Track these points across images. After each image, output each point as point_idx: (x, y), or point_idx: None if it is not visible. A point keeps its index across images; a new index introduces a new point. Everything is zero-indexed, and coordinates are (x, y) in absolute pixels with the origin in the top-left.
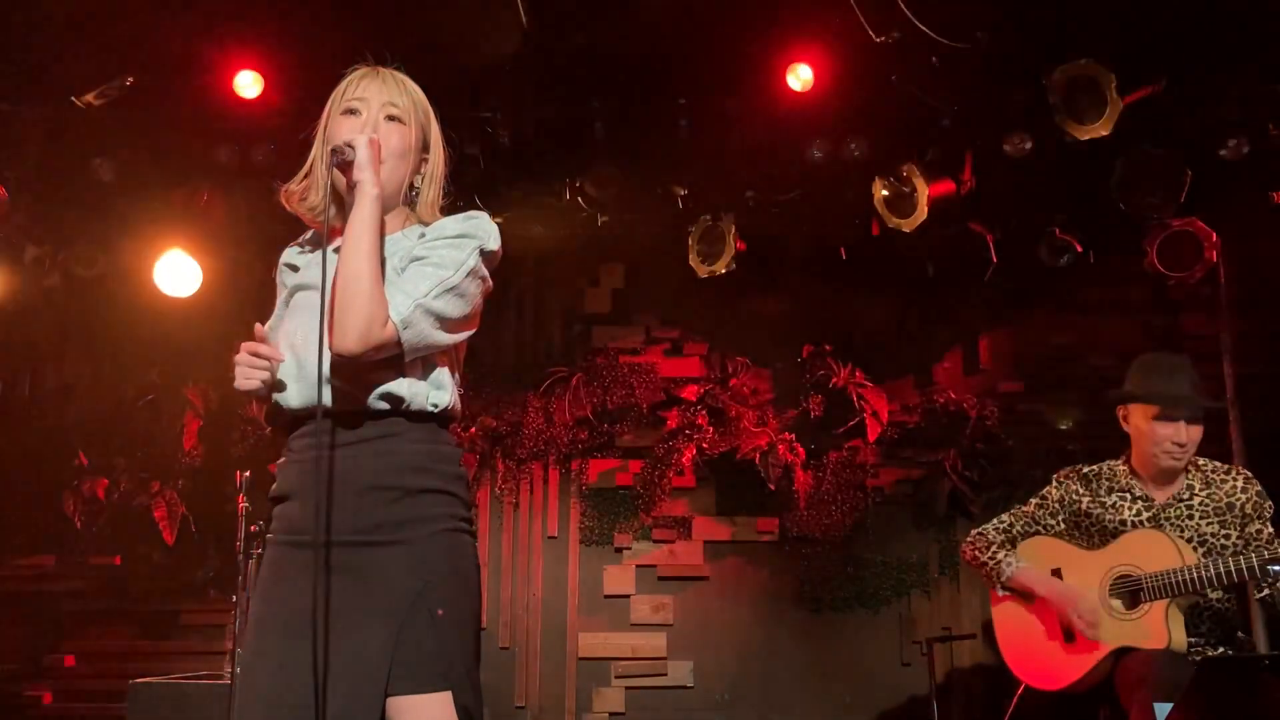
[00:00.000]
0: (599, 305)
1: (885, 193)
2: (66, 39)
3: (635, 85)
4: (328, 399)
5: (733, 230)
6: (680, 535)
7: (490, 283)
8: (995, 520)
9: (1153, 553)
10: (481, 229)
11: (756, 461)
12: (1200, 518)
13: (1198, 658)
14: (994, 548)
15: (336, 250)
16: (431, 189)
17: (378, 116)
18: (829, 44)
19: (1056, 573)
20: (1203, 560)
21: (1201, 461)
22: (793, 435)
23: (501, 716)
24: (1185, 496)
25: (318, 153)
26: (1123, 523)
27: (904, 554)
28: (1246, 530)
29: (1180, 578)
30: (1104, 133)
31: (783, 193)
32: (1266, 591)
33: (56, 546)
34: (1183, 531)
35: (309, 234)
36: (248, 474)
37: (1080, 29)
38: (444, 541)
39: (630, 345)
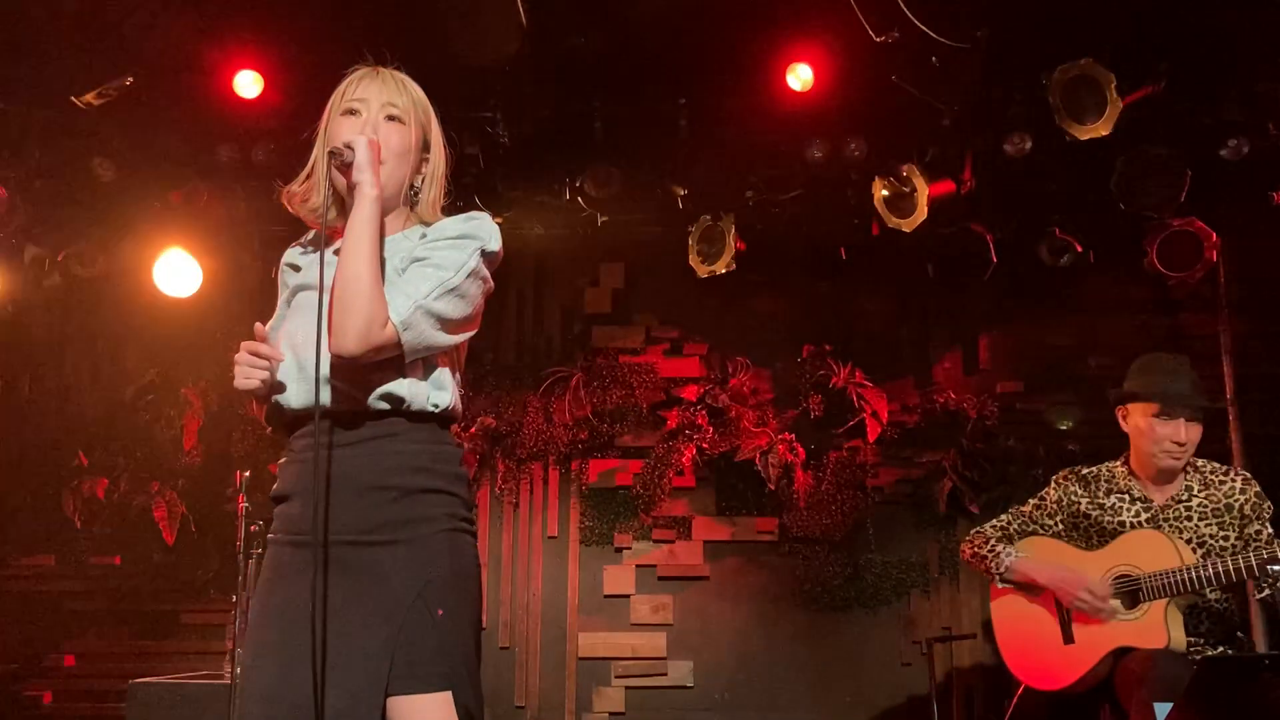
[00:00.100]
0: (599, 305)
1: (885, 193)
2: (66, 39)
3: (635, 85)
4: (328, 399)
5: (733, 230)
6: (680, 535)
7: (491, 283)
8: (993, 521)
9: (1151, 553)
10: (482, 230)
11: (756, 461)
12: (1199, 519)
13: (1197, 657)
14: (992, 541)
15: (337, 252)
16: (432, 189)
17: (378, 117)
18: (829, 44)
19: None
20: (1201, 560)
21: (1200, 463)
22: (793, 435)
23: (501, 716)
24: (1184, 497)
25: (319, 154)
26: (1122, 524)
27: (904, 554)
28: (1245, 531)
29: (1179, 578)
30: (1104, 133)
31: (783, 193)
32: (1266, 592)
33: (56, 546)
34: (1181, 532)
35: (311, 234)
36: (248, 474)
37: (1080, 29)
38: (445, 541)
39: (630, 345)
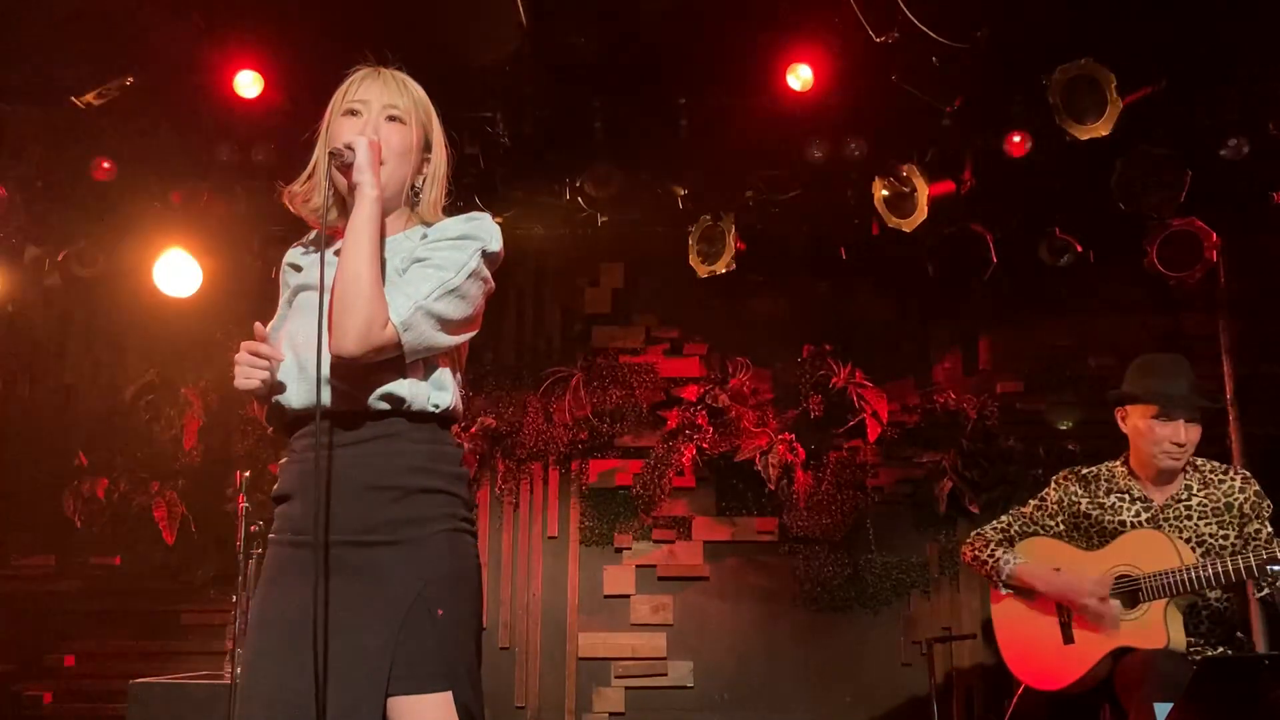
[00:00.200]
0: (599, 305)
1: (885, 193)
2: (66, 39)
3: (635, 85)
4: (328, 399)
5: (733, 230)
6: (680, 535)
7: (492, 284)
8: (994, 522)
9: (1151, 553)
10: (483, 230)
11: (756, 461)
12: (1199, 518)
13: (1197, 657)
14: (992, 545)
15: (338, 253)
16: (434, 189)
17: (378, 118)
18: (829, 44)
19: (1056, 572)
20: (1201, 560)
21: (1200, 462)
22: (793, 435)
23: (501, 716)
24: (1183, 497)
25: (320, 154)
26: (1122, 524)
27: (904, 554)
28: (1245, 530)
29: (1179, 578)
30: (1104, 133)
31: (783, 193)
32: (1266, 591)
33: (56, 546)
34: (1181, 532)
35: (312, 234)
36: (248, 474)
37: (1080, 29)
38: (445, 541)
39: (630, 345)
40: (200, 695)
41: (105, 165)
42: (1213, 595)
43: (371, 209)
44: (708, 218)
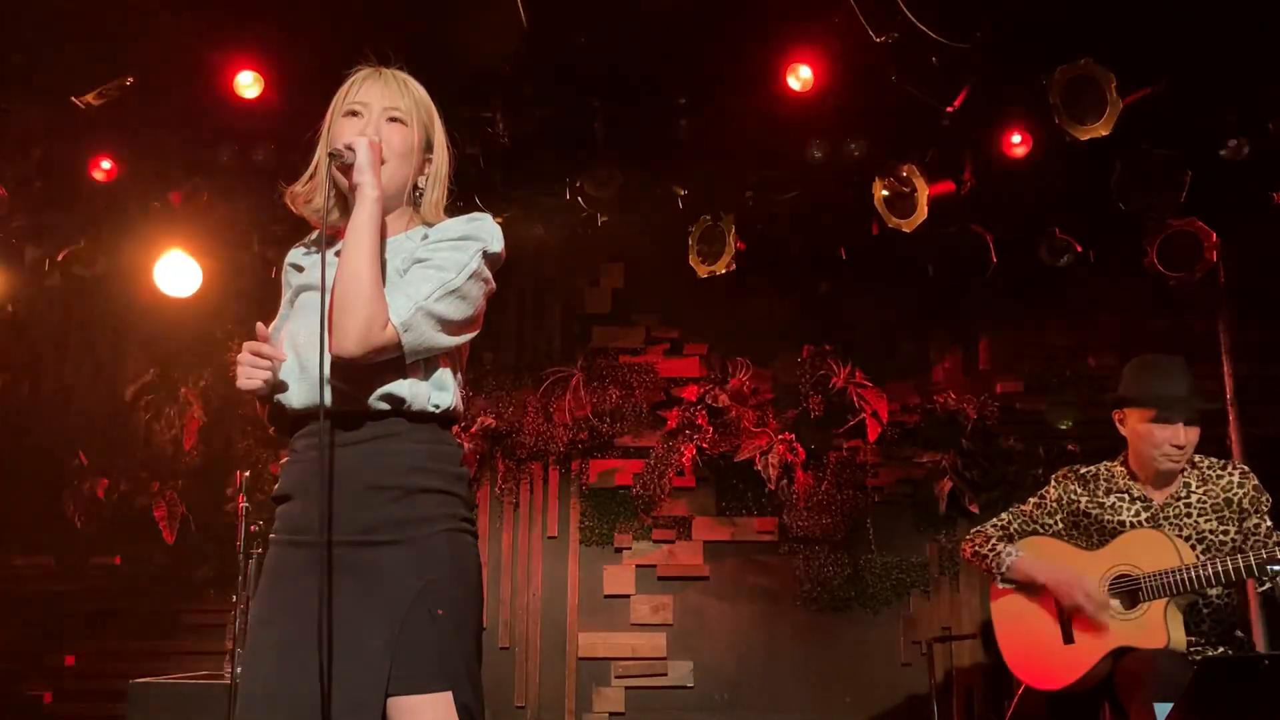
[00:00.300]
0: (599, 305)
1: (885, 193)
2: (66, 39)
3: (635, 85)
4: (329, 399)
5: (733, 230)
6: (680, 535)
7: (493, 284)
8: (994, 520)
9: (1151, 552)
10: (484, 230)
11: (756, 461)
12: (1198, 515)
13: (1197, 657)
14: (993, 540)
15: (339, 254)
16: (436, 190)
17: (379, 120)
18: (829, 44)
19: None
20: (1201, 559)
21: (1198, 458)
22: (793, 435)
23: (501, 716)
24: (1183, 494)
25: (322, 155)
26: (1121, 523)
27: (904, 554)
28: (1245, 525)
29: (1179, 577)
30: (1104, 133)
31: (783, 193)
32: (1269, 586)
33: (56, 546)
34: (1181, 530)
35: (314, 234)
36: (248, 474)
37: (1080, 29)
38: (445, 541)
39: (630, 345)
40: (200, 695)
41: (105, 165)
42: (1213, 592)
43: (372, 209)
44: (708, 218)
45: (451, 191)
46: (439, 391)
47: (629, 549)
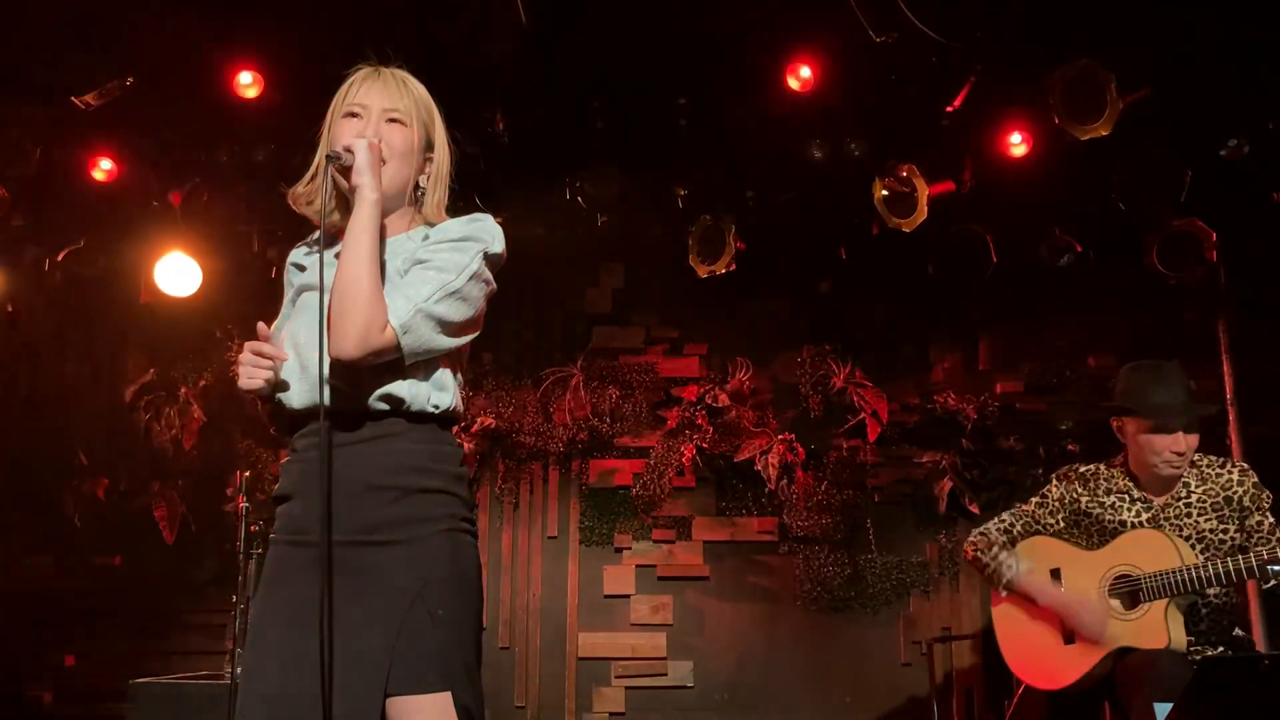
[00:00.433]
0: (599, 305)
1: (885, 193)
2: (66, 39)
3: (635, 85)
4: (329, 400)
5: (733, 230)
6: (680, 535)
7: (494, 285)
8: (996, 520)
9: (1152, 552)
10: (485, 231)
11: (756, 461)
12: (1199, 514)
13: (1198, 657)
14: (995, 548)
15: (338, 256)
16: (437, 190)
17: (378, 121)
18: (829, 44)
19: (1056, 573)
20: (1202, 559)
21: (1197, 457)
22: (793, 435)
23: (501, 716)
24: (1183, 494)
25: (322, 156)
26: (1122, 523)
27: (904, 554)
28: (1246, 523)
29: (1180, 577)
30: (1104, 133)
31: (783, 193)
32: (1274, 582)
33: (56, 546)
34: (1181, 530)
35: (316, 234)
36: (248, 474)
37: (1080, 29)
38: (444, 541)
39: (630, 345)
40: (200, 695)
41: (105, 165)
42: (1212, 592)
43: (371, 211)
44: (708, 218)
45: (453, 190)
46: (439, 392)
47: (629, 549)
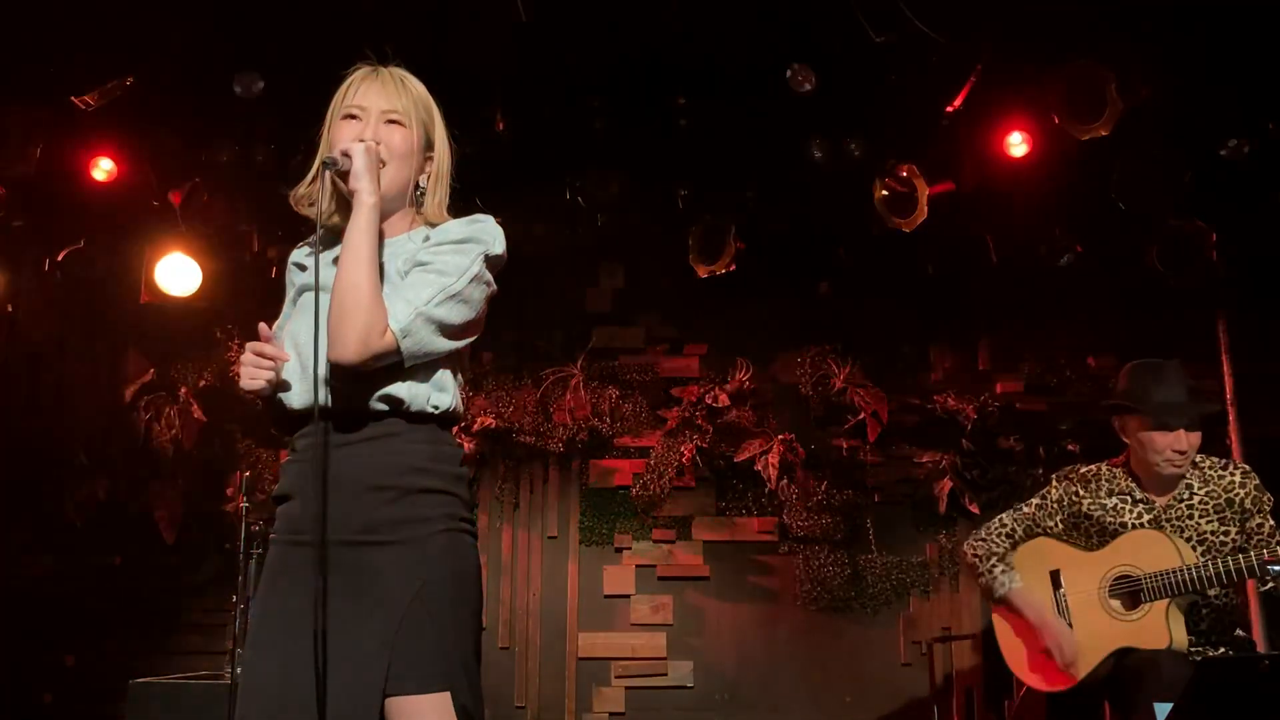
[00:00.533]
0: (599, 305)
1: (885, 193)
2: (66, 39)
3: (635, 85)
4: (328, 400)
5: (732, 230)
6: (680, 535)
7: (495, 287)
8: (997, 521)
9: (1152, 553)
10: (486, 232)
11: (756, 461)
12: (1200, 516)
13: (1198, 658)
14: (993, 559)
15: (339, 258)
16: (438, 190)
17: (377, 124)
18: (829, 44)
19: (1056, 573)
20: (1202, 560)
21: (1199, 458)
22: (793, 435)
23: (501, 716)
24: (1185, 496)
25: (322, 157)
26: (1123, 525)
27: (904, 554)
28: (1247, 525)
29: (1180, 577)
30: (1104, 133)
31: (783, 193)
32: (1271, 585)
33: (56, 546)
34: (1182, 531)
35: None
36: (248, 474)
37: (1080, 29)
38: (443, 541)
39: (630, 345)
40: (200, 695)
41: (105, 165)
42: (1212, 593)
43: (369, 216)
44: (708, 217)
45: (454, 189)
46: (439, 392)
47: (629, 549)
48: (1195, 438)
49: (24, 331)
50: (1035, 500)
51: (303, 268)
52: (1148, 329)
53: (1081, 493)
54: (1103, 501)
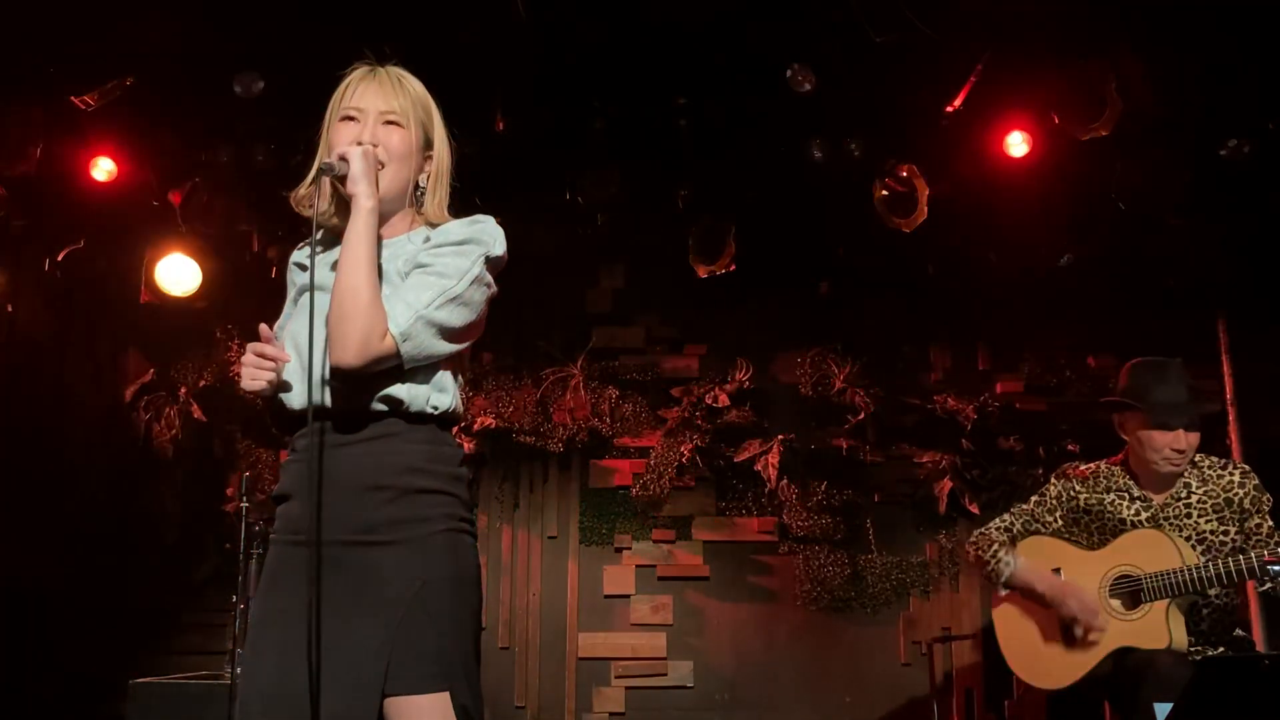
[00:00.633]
0: (599, 305)
1: (885, 193)
2: (66, 39)
3: (635, 85)
4: (328, 400)
5: (732, 230)
6: (680, 535)
7: (495, 289)
8: (997, 520)
9: (1152, 553)
10: (487, 234)
11: (756, 461)
12: (1199, 515)
13: (1198, 658)
14: (995, 546)
15: (335, 266)
16: (439, 190)
17: (375, 125)
18: (829, 44)
19: (1056, 573)
20: (1202, 560)
21: (1198, 458)
22: (793, 435)
23: (501, 716)
24: (1183, 495)
25: (322, 158)
26: (1122, 521)
27: (904, 554)
28: (1246, 525)
29: (1180, 578)
30: (1104, 133)
31: (783, 193)
32: (1269, 585)
33: (56, 546)
34: (1181, 530)
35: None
36: (248, 474)
37: (1081, 29)
38: (443, 541)
39: (630, 345)
40: (200, 695)
41: (105, 165)
42: (1212, 593)
43: (368, 219)
44: (708, 217)
45: (454, 189)
46: (438, 393)
47: (629, 549)
48: (1194, 438)
49: (24, 331)
50: (1035, 498)
51: (304, 267)
52: (1148, 329)
53: (1079, 488)
54: (1101, 496)
